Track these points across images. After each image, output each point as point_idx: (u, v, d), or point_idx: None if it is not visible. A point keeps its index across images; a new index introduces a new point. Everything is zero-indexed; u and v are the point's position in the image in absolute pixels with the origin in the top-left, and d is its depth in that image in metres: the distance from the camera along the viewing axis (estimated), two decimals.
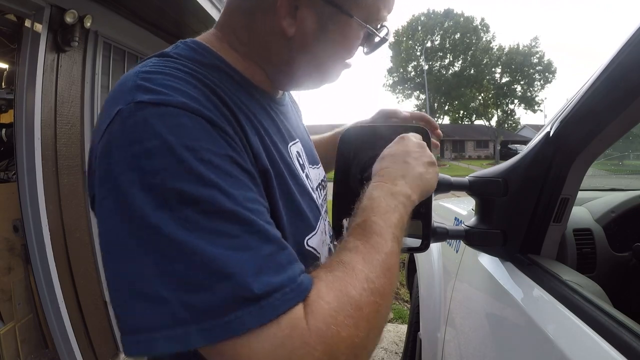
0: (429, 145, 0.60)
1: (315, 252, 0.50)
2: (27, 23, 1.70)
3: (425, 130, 0.64)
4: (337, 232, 0.66)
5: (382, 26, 0.52)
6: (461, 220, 1.13)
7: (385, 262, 0.38)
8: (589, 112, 0.60)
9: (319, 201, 0.57)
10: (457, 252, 1.03)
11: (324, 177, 0.66)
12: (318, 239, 0.52)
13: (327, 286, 0.34)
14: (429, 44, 36.07)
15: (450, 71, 36.39)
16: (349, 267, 0.36)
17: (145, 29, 2.51)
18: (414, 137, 0.54)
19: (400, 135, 0.55)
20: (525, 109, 35.29)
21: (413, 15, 36.71)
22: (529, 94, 34.58)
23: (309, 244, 0.49)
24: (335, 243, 0.67)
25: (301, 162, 0.54)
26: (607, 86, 0.56)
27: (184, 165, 0.32)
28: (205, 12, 2.38)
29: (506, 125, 36.51)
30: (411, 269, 1.90)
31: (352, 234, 0.41)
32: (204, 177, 0.33)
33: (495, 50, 35.49)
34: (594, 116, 0.60)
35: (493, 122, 35.55)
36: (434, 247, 1.34)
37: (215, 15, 2.54)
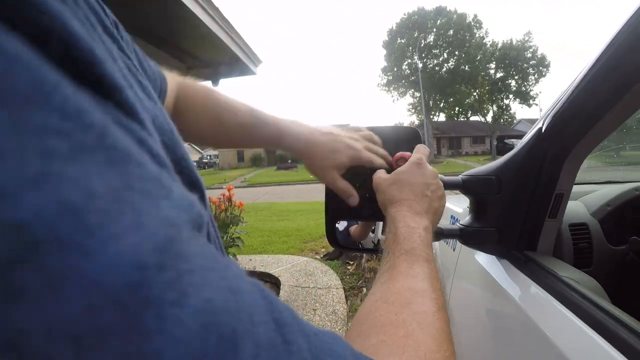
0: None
1: None
2: None
3: (417, 132, 0.64)
4: (330, 235, 0.65)
5: None
6: (457, 219, 1.12)
7: (440, 288, 0.39)
8: (581, 107, 0.60)
9: None
10: (454, 250, 1.02)
11: None
12: None
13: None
14: (422, 42, 36.13)
15: (445, 68, 36.48)
16: (427, 298, 0.35)
17: (136, 36, 2.51)
18: (429, 165, 0.54)
19: (417, 161, 0.54)
20: (520, 103, 35.49)
21: (404, 14, 36.78)
22: (523, 88, 34.79)
23: None
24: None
25: None
26: (598, 80, 0.55)
27: None
28: (196, 17, 2.37)
29: (502, 121, 36.68)
30: None
31: (406, 260, 0.40)
32: None
33: (488, 46, 35.64)
34: (586, 110, 0.59)
35: (489, 118, 35.70)
36: None
37: (208, 20, 2.54)
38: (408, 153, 0.57)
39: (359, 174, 0.58)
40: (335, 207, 0.62)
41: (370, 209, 0.59)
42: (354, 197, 0.57)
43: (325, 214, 0.64)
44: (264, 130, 0.54)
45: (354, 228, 0.78)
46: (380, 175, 0.55)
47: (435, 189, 0.52)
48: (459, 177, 0.70)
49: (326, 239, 0.66)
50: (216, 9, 2.58)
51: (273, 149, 0.57)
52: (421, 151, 0.56)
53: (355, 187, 0.59)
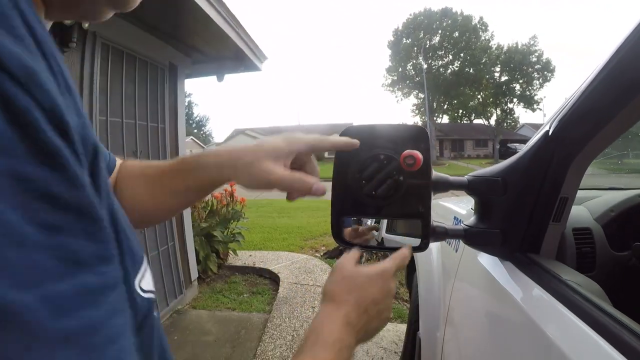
0: (427, 148, 0.59)
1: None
2: None
3: (424, 130, 0.64)
4: (335, 229, 0.65)
5: None
6: (460, 220, 1.13)
7: None
8: (587, 111, 0.60)
9: None
10: (456, 251, 1.03)
11: None
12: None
13: None
14: (427, 43, 36.05)
15: (449, 70, 36.40)
16: None
17: (144, 30, 2.51)
18: (392, 282, 0.50)
19: (384, 271, 0.49)
20: (524, 107, 35.42)
21: (410, 14, 36.75)
22: (527, 92, 34.67)
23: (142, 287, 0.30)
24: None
25: None
26: (605, 85, 0.56)
27: None
28: (202, 12, 2.37)
29: (505, 124, 36.58)
30: (410, 268, 1.90)
31: None
32: None
33: (494, 49, 35.53)
34: (593, 115, 0.59)
35: (492, 121, 35.62)
36: (433, 246, 1.34)
37: (214, 15, 2.54)
38: (417, 152, 0.57)
39: (370, 169, 0.58)
40: (341, 202, 0.63)
41: (376, 207, 0.59)
42: (317, 184, 0.47)
43: (332, 210, 0.64)
44: (182, 165, 0.48)
45: (347, 230, 0.77)
46: (347, 259, 0.51)
47: (383, 309, 0.48)
48: (465, 178, 0.70)
49: (326, 237, 0.66)
50: (223, 4, 2.58)
51: (199, 183, 0.49)
52: (396, 262, 0.52)
53: (362, 182, 0.59)
